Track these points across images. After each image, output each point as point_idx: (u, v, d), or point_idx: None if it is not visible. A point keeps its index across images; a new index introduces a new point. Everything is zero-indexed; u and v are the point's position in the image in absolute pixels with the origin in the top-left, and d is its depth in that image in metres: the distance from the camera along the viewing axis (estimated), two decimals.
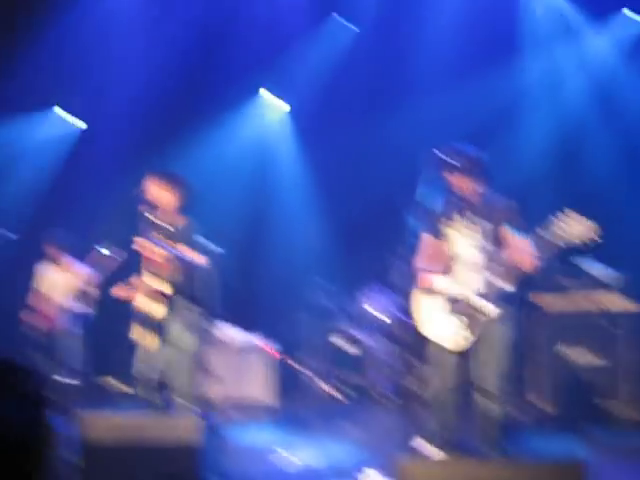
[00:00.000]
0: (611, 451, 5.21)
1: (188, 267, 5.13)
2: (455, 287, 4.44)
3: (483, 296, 4.36)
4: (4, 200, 8.41)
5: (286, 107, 9.29)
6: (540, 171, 7.77)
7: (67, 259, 7.09)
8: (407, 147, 7.18)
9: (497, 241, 4.48)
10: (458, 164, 4.54)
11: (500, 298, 4.39)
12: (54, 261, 7.11)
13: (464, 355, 4.45)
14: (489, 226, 4.49)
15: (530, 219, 4.93)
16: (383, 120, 8.28)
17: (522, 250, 4.29)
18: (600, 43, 8.05)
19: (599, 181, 7.50)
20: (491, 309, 4.34)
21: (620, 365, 6.18)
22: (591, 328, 6.30)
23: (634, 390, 6.13)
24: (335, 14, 8.87)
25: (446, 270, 4.48)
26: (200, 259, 5.13)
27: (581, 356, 6.28)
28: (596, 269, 6.55)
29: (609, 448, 5.30)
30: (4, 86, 7.79)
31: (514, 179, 7.13)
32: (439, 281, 4.47)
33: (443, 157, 4.59)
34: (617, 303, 6.32)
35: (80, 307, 6.96)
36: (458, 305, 4.39)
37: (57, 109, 9.02)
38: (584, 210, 6.95)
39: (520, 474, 2.97)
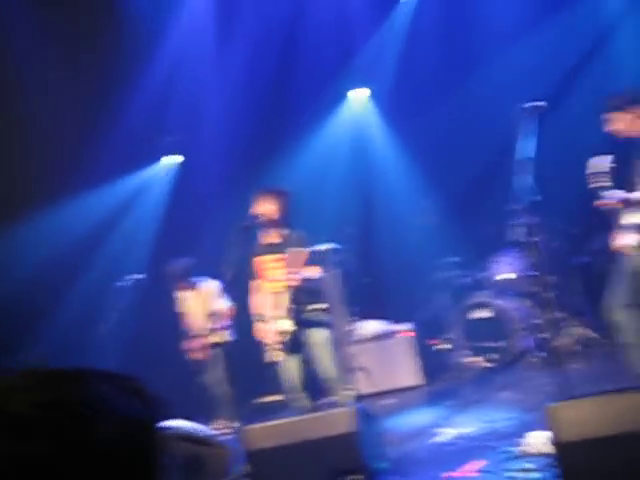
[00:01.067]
0: None
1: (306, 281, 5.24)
2: None
3: None
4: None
5: (369, 97, 9.38)
6: None
7: (196, 281, 7.41)
8: (495, 106, 7.09)
9: None
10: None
11: None
12: (187, 287, 7.43)
13: None
14: None
15: None
16: (470, 83, 8.19)
17: None
18: None
19: None
20: None
21: None
22: None
23: None
24: None
25: None
26: (313, 270, 5.20)
27: None
28: None
29: None
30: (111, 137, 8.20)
31: None
32: None
33: None
34: None
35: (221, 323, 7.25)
36: None
37: (165, 158, 9.44)
38: None
39: None
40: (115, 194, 8.89)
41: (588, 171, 4.53)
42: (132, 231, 9.04)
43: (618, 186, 4.69)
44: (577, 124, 5.76)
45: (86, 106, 8.20)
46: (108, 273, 8.12)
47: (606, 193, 4.58)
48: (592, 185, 4.58)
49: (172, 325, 7.77)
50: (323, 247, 6.84)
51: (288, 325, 5.26)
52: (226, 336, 7.18)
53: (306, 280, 5.19)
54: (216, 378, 7.23)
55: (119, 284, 7.30)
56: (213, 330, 7.20)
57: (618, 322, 4.76)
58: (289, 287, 5.16)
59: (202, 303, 7.35)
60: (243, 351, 7.33)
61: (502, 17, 7.90)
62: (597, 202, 4.67)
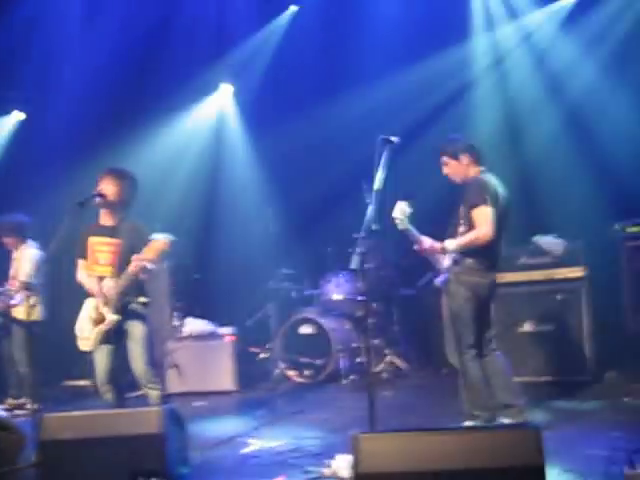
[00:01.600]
0: (565, 416, 5.36)
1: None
2: None
3: None
4: None
5: (233, 94, 9.34)
6: (488, 146, 7.90)
7: (25, 242, 7.02)
8: (359, 130, 7.26)
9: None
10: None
11: None
12: (12, 244, 7.05)
13: None
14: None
15: None
16: (334, 106, 8.34)
17: None
18: (540, 18, 8.19)
19: (542, 154, 7.67)
20: None
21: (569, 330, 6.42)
22: (541, 298, 6.54)
23: (580, 352, 6.34)
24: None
25: None
26: (146, 257, 5.01)
27: (533, 325, 6.52)
28: (548, 242, 6.72)
29: (564, 413, 5.45)
30: None
31: None
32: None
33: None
34: (561, 271, 6.54)
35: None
36: None
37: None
38: (528, 181, 7.18)
39: (476, 440, 3.05)
40: None
41: (393, 214, 4.78)
42: None
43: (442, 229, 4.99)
44: (426, 164, 6.04)
45: None
46: None
47: (420, 238, 4.86)
48: (399, 227, 4.82)
49: None
50: (159, 237, 6.68)
51: (109, 313, 5.06)
52: (34, 314, 6.80)
53: (145, 272, 5.02)
54: (16, 354, 6.86)
55: None
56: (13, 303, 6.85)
57: (455, 365, 5.02)
58: (129, 275, 4.95)
59: (17, 266, 6.97)
60: (57, 330, 7.02)
61: (381, 46, 8.10)
62: (415, 247, 4.98)
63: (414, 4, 8.03)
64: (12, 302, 6.90)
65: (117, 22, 8.53)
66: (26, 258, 6.96)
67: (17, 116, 9.02)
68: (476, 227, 4.80)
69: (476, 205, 4.81)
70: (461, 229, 4.92)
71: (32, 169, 8.45)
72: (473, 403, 4.89)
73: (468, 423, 4.84)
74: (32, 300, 6.74)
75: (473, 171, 5.02)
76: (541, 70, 7.97)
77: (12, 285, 6.92)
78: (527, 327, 6.61)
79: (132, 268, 4.92)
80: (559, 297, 6.53)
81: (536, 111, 7.84)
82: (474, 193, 4.86)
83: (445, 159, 5.09)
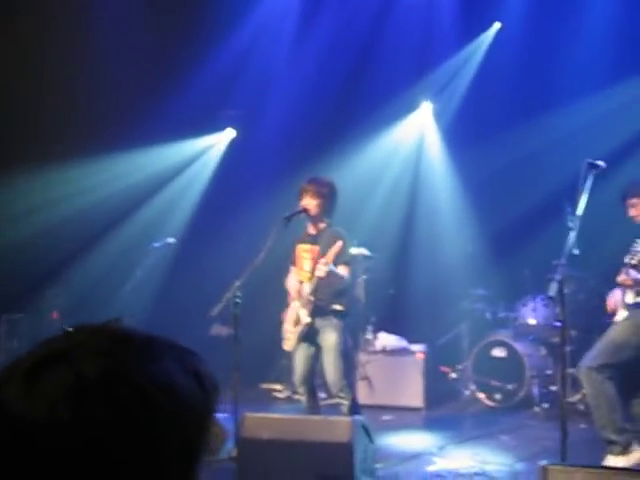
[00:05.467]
0: None
1: (333, 277, 5.25)
2: None
3: None
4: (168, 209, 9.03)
5: (432, 114, 9.42)
6: None
7: None
8: (562, 154, 7.08)
9: None
10: None
11: None
12: None
13: None
14: None
15: None
16: (536, 126, 8.15)
17: None
18: None
19: None
20: None
21: None
22: None
23: None
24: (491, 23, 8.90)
25: None
26: (343, 269, 5.23)
27: None
28: None
29: None
30: (176, 100, 8.31)
31: None
32: None
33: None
34: None
35: None
36: None
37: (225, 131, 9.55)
38: None
39: None
40: (169, 156, 9.02)
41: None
42: (176, 196, 9.17)
43: None
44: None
45: (159, 65, 8.32)
46: (145, 232, 8.27)
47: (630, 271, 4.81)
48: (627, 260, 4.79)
49: (192, 293, 7.88)
50: (356, 250, 6.88)
51: (304, 315, 5.30)
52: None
53: (333, 276, 5.20)
54: None
55: (154, 245, 7.41)
56: None
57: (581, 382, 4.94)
58: (316, 277, 5.18)
59: None
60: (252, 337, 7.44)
61: (584, 68, 7.83)
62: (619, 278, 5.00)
63: (620, 22, 7.67)
64: None
65: (325, 43, 8.90)
66: None
67: (230, 133, 9.63)
68: None
69: None
70: None
71: (243, 183, 9.01)
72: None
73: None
74: None
75: None
76: None
77: None
78: None
79: (316, 271, 5.15)
80: None
81: None
82: None
83: (635, 201, 4.98)
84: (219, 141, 9.62)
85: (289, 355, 5.67)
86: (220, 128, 9.51)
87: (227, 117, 9.35)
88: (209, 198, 9.19)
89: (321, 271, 5.10)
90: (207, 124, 9.19)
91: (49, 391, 0.88)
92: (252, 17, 8.83)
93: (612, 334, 5.01)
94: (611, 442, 4.76)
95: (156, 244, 7.43)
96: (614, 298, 5.15)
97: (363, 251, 7.50)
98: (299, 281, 5.45)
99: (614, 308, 5.18)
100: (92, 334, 0.95)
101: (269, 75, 9.01)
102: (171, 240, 7.58)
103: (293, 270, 5.57)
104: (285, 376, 7.78)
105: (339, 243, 5.14)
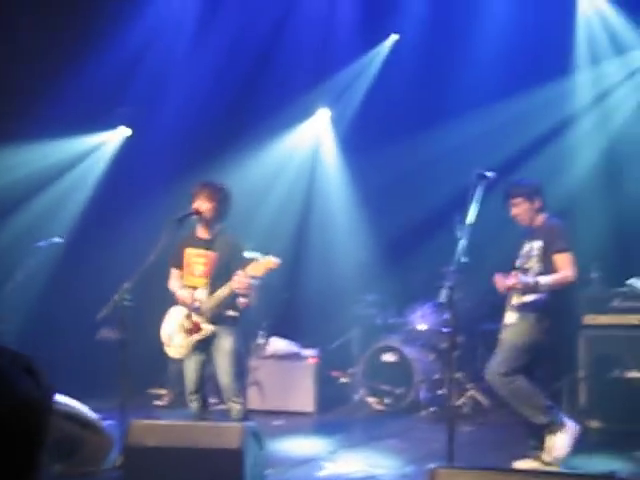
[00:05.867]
0: None
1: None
2: None
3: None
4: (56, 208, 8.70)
5: (329, 121, 9.50)
6: (586, 190, 7.74)
7: None
8: (455, 163, 7.25)
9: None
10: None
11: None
12: None
13: None
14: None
15: (573, 235, 5.13)
16: (430, 136, 8.35)
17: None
18: None
19: None
20: None
21: None
22: (633, 343, 6.31)
23: None
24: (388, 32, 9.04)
25: None
26: (242, 280, 5.12)
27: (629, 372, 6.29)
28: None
29: None
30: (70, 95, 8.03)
31: (560, 197, 7.20)
32: None
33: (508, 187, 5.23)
34: None
35: None
36: None
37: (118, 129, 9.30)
38: (624, 224, 6.99)
39: None
40: (58, 152, 8.68)
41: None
42: (64, 193, 8.83)
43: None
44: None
45: (53, 59, 8.00)
46: (29, 231, 7.91)
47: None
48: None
49: (79, 295, 7.61)
50: (250, 255, 6.82)
51: (210, 325, 5.19)
52: None
53: (250, 288, 5.14)
54: None
55: (39, 244, 7.11)
56: None
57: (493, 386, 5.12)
58: (229, 288, 5.08)
59: None
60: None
61: (479, 80, 8.07)
62: (501, 282, 5.18)
63: (514, 36, 7.96)
64: None
65: (223, 44, 8.82)
66: None
67: (123, 131, 9.39)
68: (561, 270, 5.02)
69: (564, 250, 5.05)
70: (533, 267, 5.05)
71: (135, 183, 8.79)
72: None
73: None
74: None
75: (542, 215, 5.18)
76: None
77: None
78: (618, 373, 6.40)
79: (236, 283, 5.03)
80: None
81: (637, 153, 7.63)
82: (561, 238, 5.09)
83: (518, 200, 5.19)
84: (112, 139, 9.35)
85: (173, 360, 5.55)
86: (113, 126, 9.24)
87: (121, 115, 9.10)
88: (100, 197, 8.90)
89: (242, 284, 5.00)
90: (100, 121, 8.91)
91: None
92: (150, 13, 8.63)
93: (511, 338, 5.16)
94: (547, 425, 4.95)
95: (41, 243, 7.14)
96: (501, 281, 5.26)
97: (257, 256, 7.44)
98: (188, 286, 5.33)
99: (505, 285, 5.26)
100: None
101: (165, 74, 8.84)
102: (57, 239, 7.30)
103: (175, 273, 5.44)
104: (172, 381, 7.64)
105: (269, 263, 5.02)
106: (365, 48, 9.13)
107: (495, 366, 5.11)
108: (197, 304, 5.23)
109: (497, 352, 5.25)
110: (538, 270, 5.08)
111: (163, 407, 7.71)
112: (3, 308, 6.74)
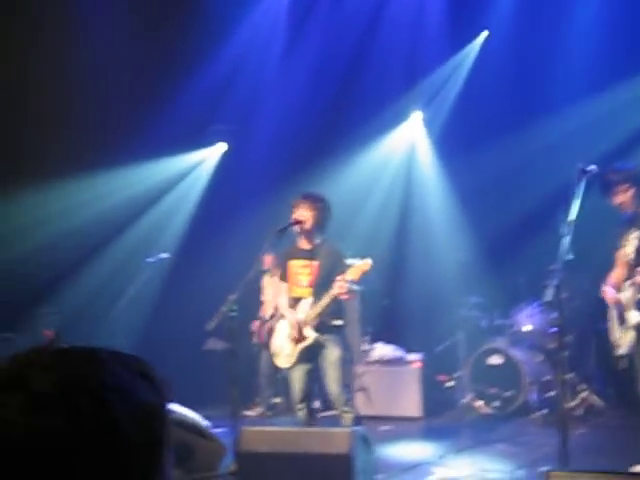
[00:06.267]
0: None
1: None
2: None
3: None
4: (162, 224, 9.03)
5: (422, 123, 9.45)
6: None
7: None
8: (553, 159, 7.09)
9: None
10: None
11: None
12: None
13: None
14: None
15: None
16: (526, 134, 8.17)
17: None
18: None
19: None
20: None
21: None
22: None
23: None
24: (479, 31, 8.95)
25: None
26: (342, 285, 5.15)
27: None
28: None
29: None
30: (166, 116, 8.32)
31: None
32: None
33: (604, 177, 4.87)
34: None
35: None
36: None
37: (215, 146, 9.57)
38: None
39: None
40: (160, 172, 9.01)
41: None
42: (169, 211, 9.15)
43: None
44: None
45: (149, 81, 8.33)
46: (138, 248, 8.24)
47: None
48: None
49: (186, 308, 7.86)
50: (354, 262, 6.87)
51: (315, 333, 5.25)
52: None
53: (350, 293, 5.22)
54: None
55: (148, 260, 7.39)
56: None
57: None
58: (332, 295, 5.14)
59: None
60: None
61: (573, 73, 7.86)
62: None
63: (608, 30, 7.71)
64: None
65: (314, 55, 8.94)
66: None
67: (221, 147, 9.63)
68: None
69: None
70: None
71: (235, 197, 9.01)
72: None
73: None
74: None
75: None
76: None
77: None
78: None
79: (337, 289, 5.10)
80: None
81: None
82: None
83: (624, 187, 4.93)
84: (210, 155, 9.62)
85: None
86: (211, 143, 9.51)
87: (218, 132, 9.35)
88: (202, 212, 9.17)
89: (343, 288, 5.07)
90: (198, 139, 9.20)
91: (3, 413, 0.91)
92: (242, 30, 8.85)
93: None
94: None
95: (150, 259, 7.41)
96: (609, 292, 5.08)
97: (357, 262, 7.48)
98: (294, 297, 5.41)
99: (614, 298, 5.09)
100: (34, 353, 0.97)
101: (259, 88, 9.03)
102: (165, 255, 7.56)
103: (283, 287, 5.53)
104: (263, 391, 7.79)
105: (364, 265, 5.10)
106: (456, 47, 9.05)
107: None
108: (301, 315, 5.31)
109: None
110: None
111: (254, 417, 7.76)
112: (117, 323, 7.04)
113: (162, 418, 0.99)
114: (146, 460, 0.96)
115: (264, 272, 7.50)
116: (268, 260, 7.25)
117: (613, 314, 5.11)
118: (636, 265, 4.94)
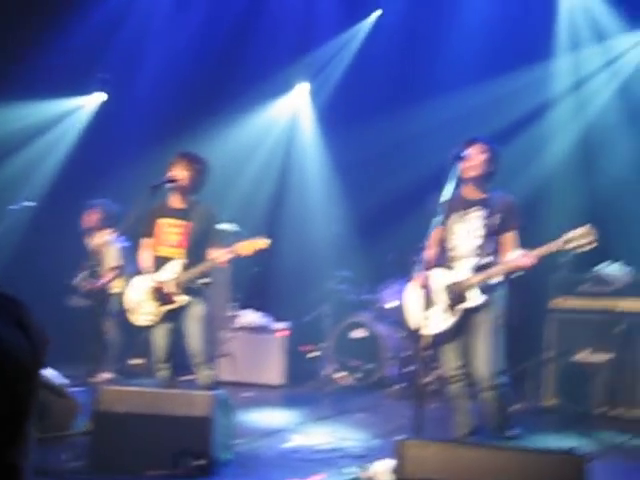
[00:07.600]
0: (612, 449, 5.26)
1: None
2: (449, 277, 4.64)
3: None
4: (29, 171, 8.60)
5: (308, 95, 9.45)
6: (560, 173, 7.81)
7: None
8: (433, 142, 7.26)
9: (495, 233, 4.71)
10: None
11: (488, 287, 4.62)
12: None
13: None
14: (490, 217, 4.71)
15: (548, 218, 5.12)
16: (409, 114, 8.33)
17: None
18: (628, 43, 8.01)
19: (615, 182, 7.51)
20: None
21: (628, 363, 6.26)
22: (601, 327, 6.39)
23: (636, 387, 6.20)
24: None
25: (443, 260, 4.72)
26: (241, 252, 5.09)
27: (590, 355, 6.37)
28: (613, 271, 6.60)
29: (610, 446, 5.35)
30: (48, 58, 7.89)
31: (533, 180, 7.26)
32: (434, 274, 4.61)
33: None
34: (630, 304, 6.39)
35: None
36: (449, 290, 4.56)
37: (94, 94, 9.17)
38: (598, 209, 7.05)
39: (518, 459, 3.05)
40: (33, 115, 8.55)
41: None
42: (38, 157, 8.72)
43: None
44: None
45: (33, 23, 7.88)
46: (2, 194, 7.81)
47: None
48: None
49: (54, 259, 7.55)
50: (226, 227, 6.80)
51: (186, 297, 5.17)
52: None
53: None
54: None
55: (11, 207, 7.02)
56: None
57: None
58: (212, 262, 5.07)
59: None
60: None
61: (461, 59, 8.06)
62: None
63: (498, 19, 7.96)
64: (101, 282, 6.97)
65: (203, 14, 8.74)
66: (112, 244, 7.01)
67: (100, 96, 9.26)
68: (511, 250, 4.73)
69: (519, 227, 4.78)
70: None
71: (109, 149, 8.70)
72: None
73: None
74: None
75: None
76: (623, 97, 7.81)
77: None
78: (582, 356, 6.49)
79: (222, 258, 5.05)
80: (620, 328, 6.39)
81: (613, 139, 7.70)
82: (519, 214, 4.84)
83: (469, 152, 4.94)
84: (88, 103, 9.23)
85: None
86: (91, 90, 9.12)
87: (100, 80, 8.98)
88: (73, 163, 8.79)
89: (225, 257, 5.02)
90: (78, 86, 8.79)
91: None
92: None
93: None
94: None
95: (13, 207, 7.05)
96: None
97: (232, 227, 7.43)
98: (161, 257, 5.29)
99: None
100: None
101: (143, 42, 8.74)
102: (29, 203, 7.20)
103: (147, 242, 5.41)
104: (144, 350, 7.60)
105: (261, 244, 5.01)
106: (348, 23, 9.09)
107: None
108: (169, 275, 5.21)
109: None
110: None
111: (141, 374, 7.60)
112: None
113: (32, 379, 0.93)
114: (9, 419, 0.92)
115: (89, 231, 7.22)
116: (92, 218, 7.09)
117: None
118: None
